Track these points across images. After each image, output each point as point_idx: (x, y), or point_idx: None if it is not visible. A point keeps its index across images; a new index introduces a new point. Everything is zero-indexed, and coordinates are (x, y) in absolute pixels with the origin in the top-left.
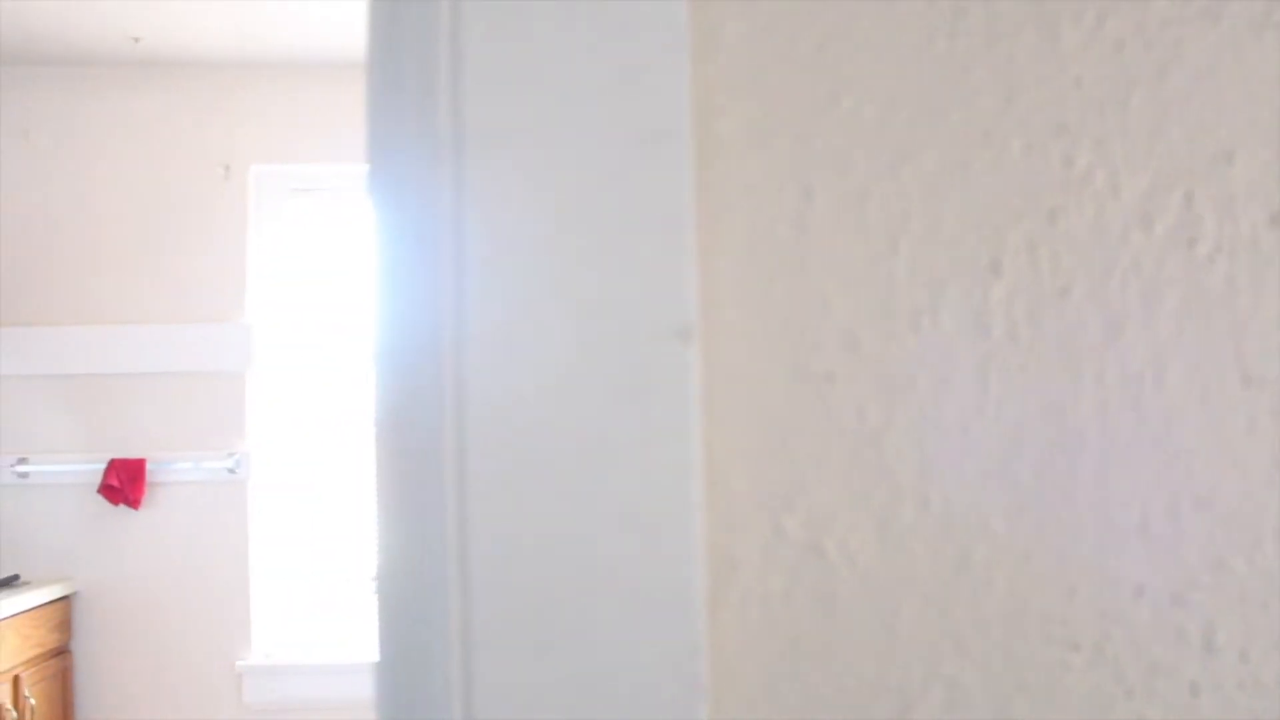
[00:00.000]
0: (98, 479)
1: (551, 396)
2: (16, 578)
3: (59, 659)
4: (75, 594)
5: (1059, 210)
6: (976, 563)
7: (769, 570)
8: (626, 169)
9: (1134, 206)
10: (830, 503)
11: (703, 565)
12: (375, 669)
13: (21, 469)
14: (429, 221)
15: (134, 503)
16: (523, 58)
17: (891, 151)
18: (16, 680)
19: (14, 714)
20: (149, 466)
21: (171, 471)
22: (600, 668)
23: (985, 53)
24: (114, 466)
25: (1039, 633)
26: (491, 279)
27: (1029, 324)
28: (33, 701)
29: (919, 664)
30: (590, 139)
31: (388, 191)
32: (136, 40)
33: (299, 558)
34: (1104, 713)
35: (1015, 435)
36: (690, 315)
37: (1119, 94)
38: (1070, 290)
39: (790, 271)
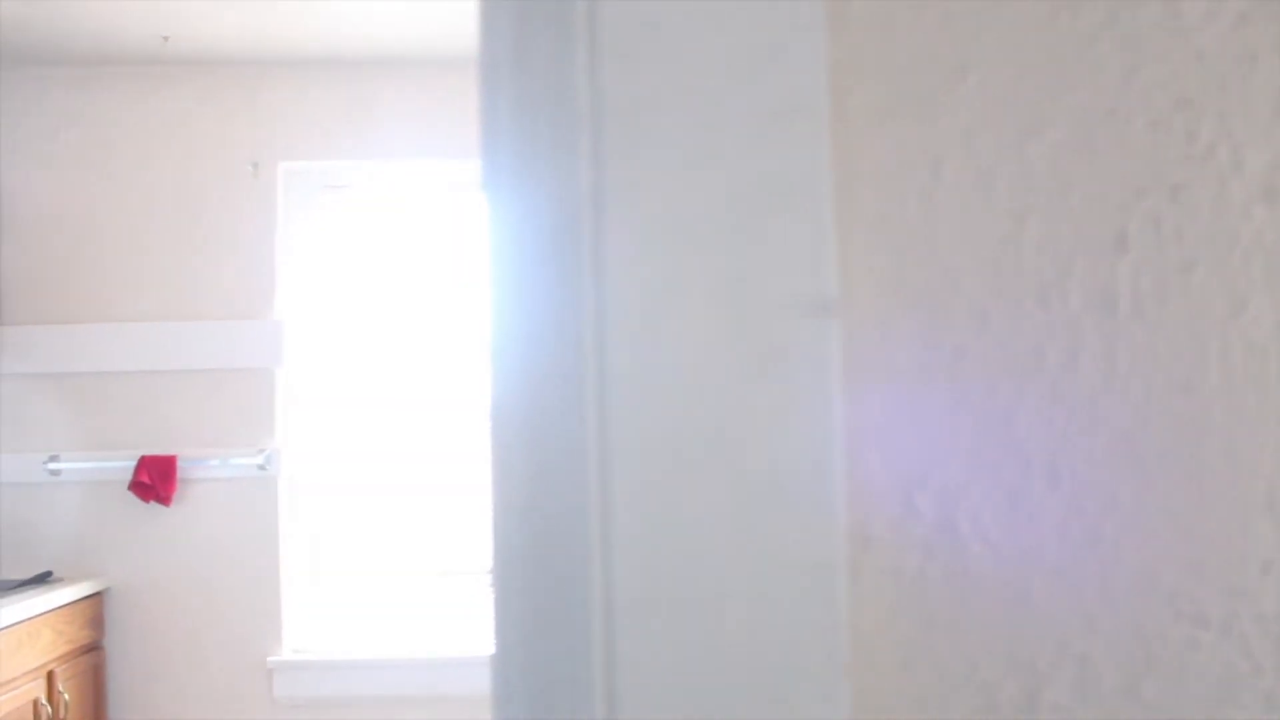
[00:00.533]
0: (129, 476)
1: (693, 372)
2: (49, 574)
3: (91, 655)
4: (107, 590)
5: (1182, 185)
6: (1105, 539)
7: (902, 547)
8: (766, 144)
9: (1257, 180)
10: (962, 479)
11: (843, 541)
12: (497, 654)
13: (53, 466)
14: (566, 199)
15: (165, 500)
16: (661, 32)
17: (1017, 127)
18: (51, 676)
19: (49, 709)
20: (179, 463)
21: (202, 468)
22: (743, 644)
23: (1108, 27)
24: (145, 463)
25: (1168, 609)
26: (632, 254)
27: (1155, 299)
28: (66, 697)
29: (1050, 641)
30: (730, 114)
31: (517, 171)
32: (166, 39)
33: (330, 553)
34: (1233, 691)
35: (1143, 411)
36: (830, 290)
37: (1241, 67)
38: (1194, 265)
39: (919, 247)
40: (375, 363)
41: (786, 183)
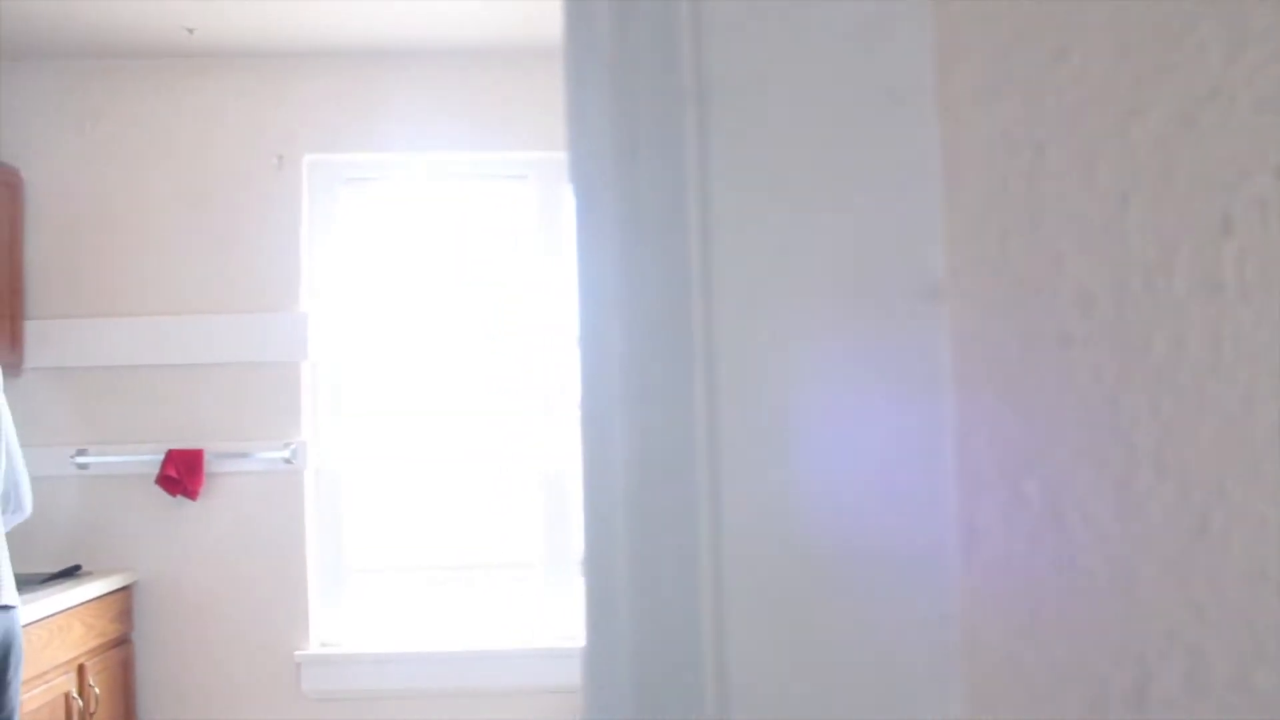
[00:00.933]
0: (156, 469)
1: (802, 357)
2: (78, 568)
3: (120, 649)
4: (135, 584)
5: None
6: (1214, 528)
7: (1010, 536)
8: (875, 123)
9: None
10: (1068, 467)
11: (953, 530)
12: (591, 647)
13: (81, 460)
14: (669, 181)
15: (192, 493)
16: (766, 11)
17: (1120, 108)
18: (81, 669)
19: (80, 703)
20: (206, 457)
21: (228, 462)
22: (854, 635)
23: (1211, 6)
24: (172, 457)
25: (1278, 600)
26: (740, 234)
27: (1260, 283)
28: (97, 691)
29: (1159, 632)
30: (838, 92)
31: (619, 153)
32: (191, 31)
33: (357, 547)
34: None
35: (1249, 396)
36: (938, 274)
37: None
38: None
39: (1024, 230)
40: (402, 355)
41: (895, 164)
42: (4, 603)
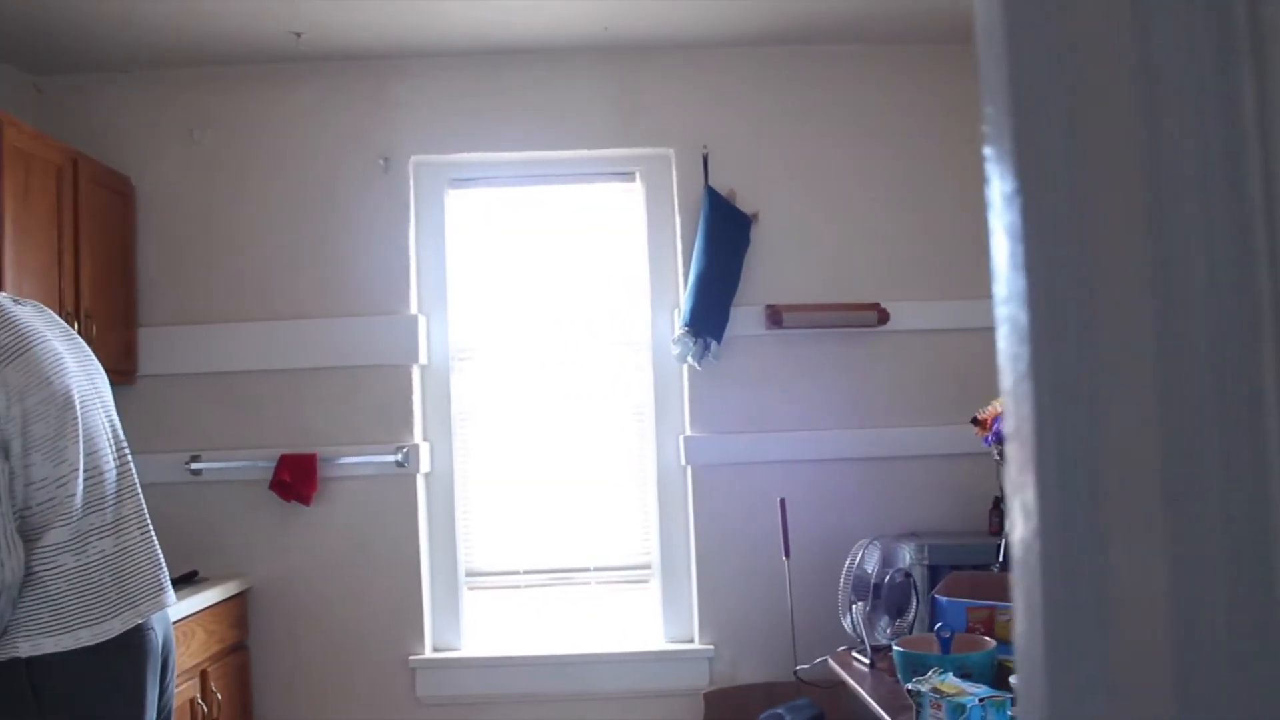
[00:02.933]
0: (268, 475)
1: None
2: (195, 574)
3: (237, 654)
4: (250, 590)
5: None
6: None
7: None
8: None
9: None
10: None
11: None
12: (1032, 646)
13: (195, 466)
14: (1229, 128)
15: (305, 499)
16: None
17: None
18: (204, 675)
19: (204, 709)
20: (318, 461)
21: (341, 466)
22: None
23: None
24: (285, 462)
25: None
26: None
27: None
28: (219, 696)
29: None
30: None
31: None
32: (298, 36)
33: (469, 550)
34: None
35: None
36: None
37: None
38: None
39: None
40: (512, 357)
41: None
42: (170, 603)
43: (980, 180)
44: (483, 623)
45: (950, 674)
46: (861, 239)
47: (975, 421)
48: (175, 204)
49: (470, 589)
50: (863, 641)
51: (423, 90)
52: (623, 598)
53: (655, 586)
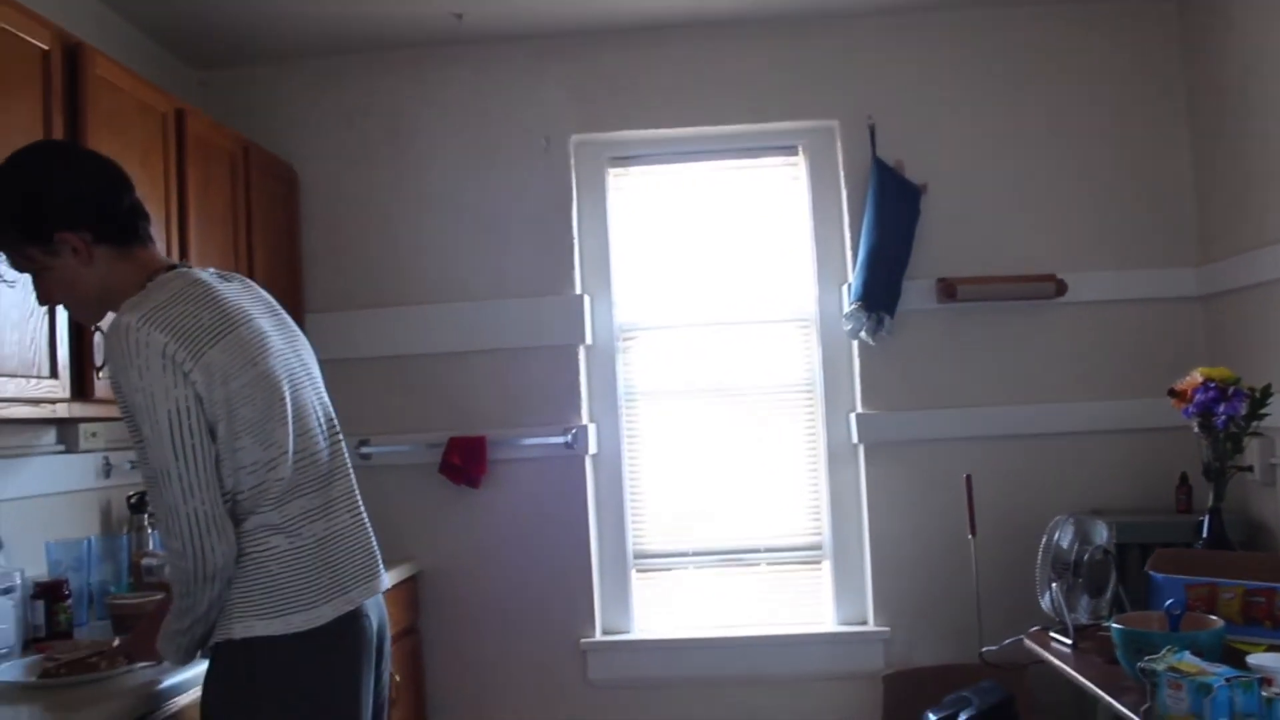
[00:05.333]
0: (437, 458)
1: None
2: None
3: (409, 638)
4: (420, 573)
5: None
6: None
7: None
8: None
9: None
10: None
11: None
12: None
13: (364, 450)
14: None
15: (475, 482)
16: None
17: None
18: None
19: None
20: (487, 443)
21: (509, 448)
22: None
23: None
24: (455, 445)
25: None
26: None
27: None
28: (398, 678)
29: None
30: None
31: None
32: (459, 17)
33: (638, 531)
34: None
35: None
36: None
37: None
38: None
39: None
40: (678, 335)
41: None
42: (383, 587)
43: (1160, 143)
44: (652, 605)
45: (1186, 653)
46: (1035, 208)
47: (1173, 393)
48: (338, 190)
49: (638, 571)
50: (1062, 621)
51: (583, 68)
52: (793, 579)
53: (826, 567)
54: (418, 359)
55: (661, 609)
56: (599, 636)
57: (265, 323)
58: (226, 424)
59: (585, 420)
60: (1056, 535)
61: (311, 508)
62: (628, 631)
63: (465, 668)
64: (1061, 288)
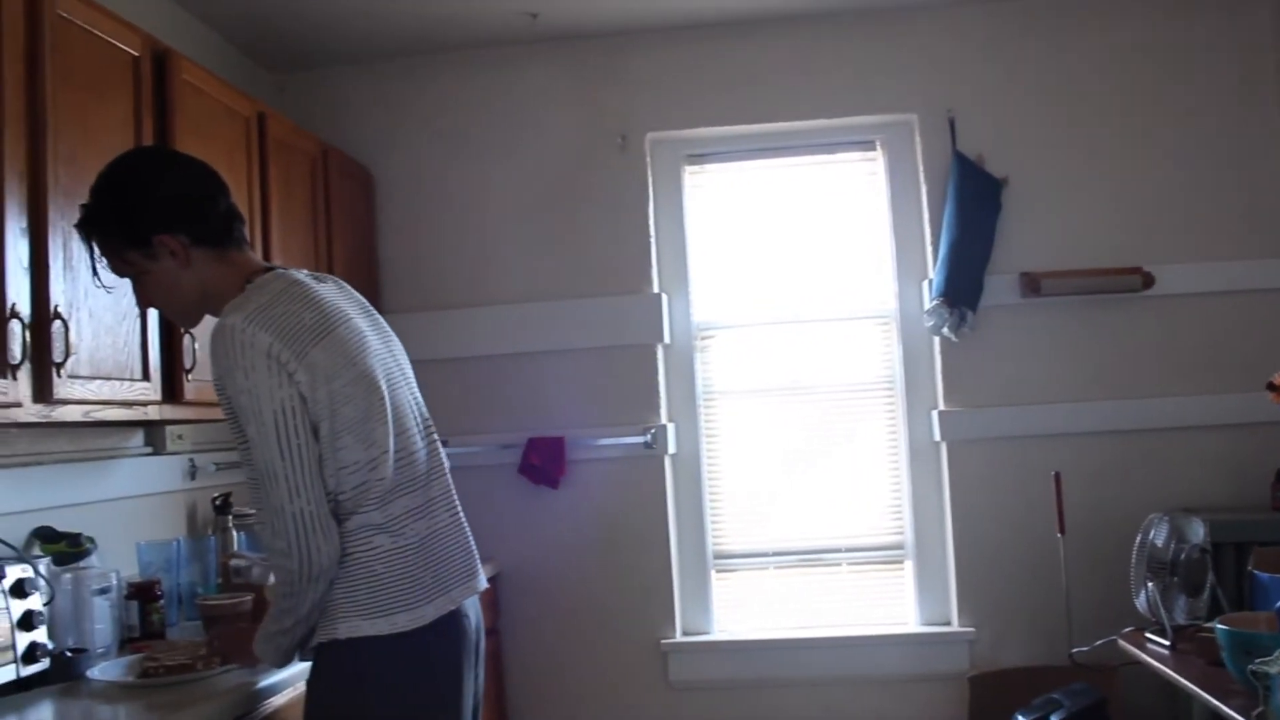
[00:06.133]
0: (516, 459)
1: None
2: None
3: (489, 639)
4: (499, 574)
5: None
6: None
7: None
8: None
9: None
10: None
11: None
12: None
13: (444, 452)
14: None
15: (554, 482)
16: None
17: None
18: None
19: None
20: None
21: (587, 448)
22: None
23: None
24: (534, 445)
25: None
26: None
27: None
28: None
29: None
30: None
31: None
32: (534, 16)
33: (718, 531)
34: None
35: None
36: None
37: None
38: None
39: None
40: (757, 334)
41: None
42: (482, 586)
43: (1255, 131)
44: (731, 606)
45: None
46: (1119, 199)
47: (1271, 387)
48: (413, 192)
49: (717, 571)
50: (1159, 622)
51: (657, 65)
52: (874, 579)
53: (908, 567)
54: (495, 359)
55: (741, 609)
56: (679, 637)
57: (361, 322)
58: (329, 423)
59: (664, 420)
60: (1151, 534)
61: (413, 506)
62: (708, 632)
63: (545, 669)
64: (1149, 280)
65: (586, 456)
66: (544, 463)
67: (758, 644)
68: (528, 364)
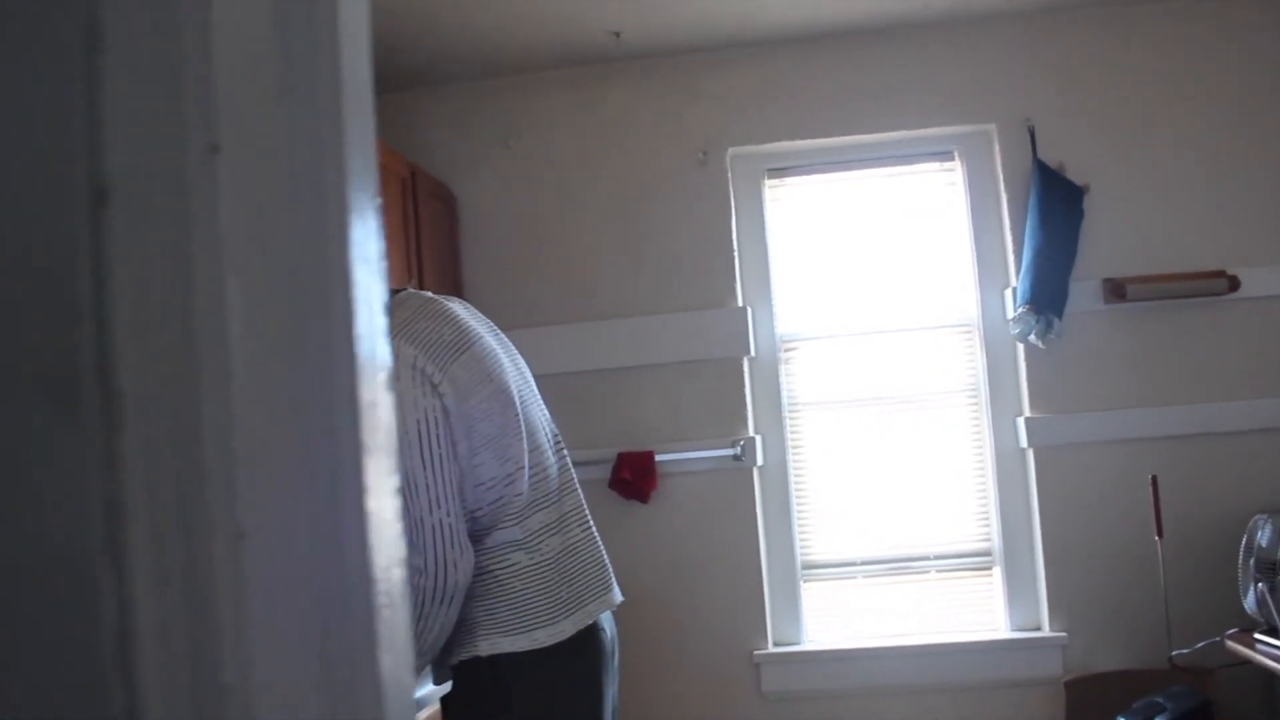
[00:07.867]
0: (605, 474)
1: None
2: None
3: None
4: None
5: None
6: None
7: None
8: None
9: None
10: None
11: None
12: None
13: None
14: None
15: (644, 497)
16: None
17: None
18: None
19: None
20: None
21: (676, 462)
22: None
23: None
24: (624, 460)
25: None
26: None
27: None
28: None
29: None
30: None
31: None
32: (617, 35)
33: (808, 542)
34: None
35: None
36: None
37: None
38: None
39: None
40: (843, 344)
41: None
42: (616, 600)
43: None
44: (822, 616)
45: None
46: (1202, 203)
47: None
48: (496, 212)
49: (806, 581)
50: (1269, 622)
51: (737, 81)
52: (962, 586)
53: (997, 573)
54: (581, 375)
55: (832, 619)
56: (771, 648)
57: (491, 340)
58: (467, 441)
59: (751, 432)
60: (1257, 535)
61: (549, 522)
62: (799, 642)
63: (638, 680)
64: (1234, 283)
65: (675, 470)
66: (635, 477)
67: (848, 653)
68: (615, 379)
